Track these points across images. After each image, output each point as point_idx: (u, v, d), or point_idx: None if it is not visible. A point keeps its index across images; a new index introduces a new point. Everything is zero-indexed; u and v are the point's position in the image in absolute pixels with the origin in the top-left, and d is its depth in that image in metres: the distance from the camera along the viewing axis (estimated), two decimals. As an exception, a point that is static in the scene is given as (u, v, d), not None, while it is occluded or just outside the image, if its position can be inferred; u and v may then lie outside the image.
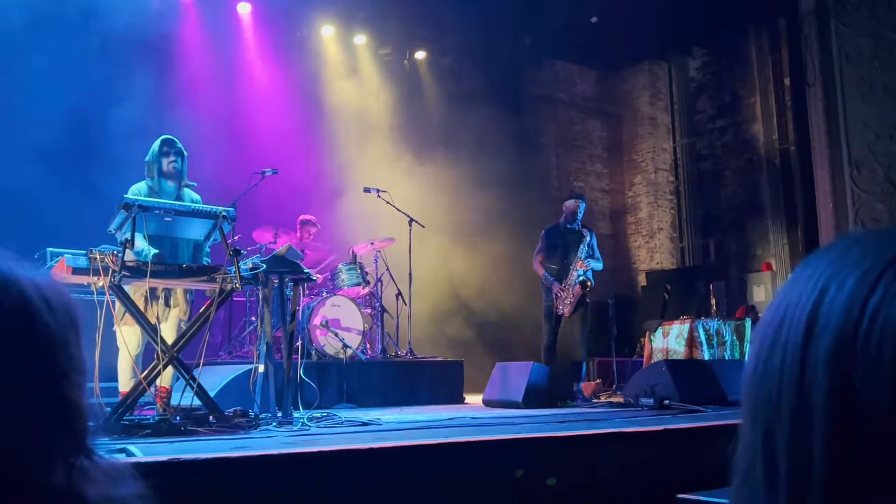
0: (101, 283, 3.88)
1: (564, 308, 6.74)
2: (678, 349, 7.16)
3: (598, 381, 7.29)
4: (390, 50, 10.12)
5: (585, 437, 3.41)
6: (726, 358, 6.97)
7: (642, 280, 11.68)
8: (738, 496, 0.57)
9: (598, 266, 6.91)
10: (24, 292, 0.61)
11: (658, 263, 11.83)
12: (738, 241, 11.17)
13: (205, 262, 4.84)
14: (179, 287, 4.55)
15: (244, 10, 8.91)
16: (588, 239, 6.85)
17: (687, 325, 7.20)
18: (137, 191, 4.73)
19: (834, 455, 0.50)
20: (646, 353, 7.66)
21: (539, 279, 7.04)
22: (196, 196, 4.95)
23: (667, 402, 5.14)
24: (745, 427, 0.57)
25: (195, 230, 4.50)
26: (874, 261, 0.52)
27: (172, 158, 4.84)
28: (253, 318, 6.83)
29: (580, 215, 6.95)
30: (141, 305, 4.31)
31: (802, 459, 0.51)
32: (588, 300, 6.82)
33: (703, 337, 7.08)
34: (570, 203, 7.00)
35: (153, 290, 4.51)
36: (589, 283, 6.72)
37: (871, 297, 0.51)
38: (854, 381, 0.50)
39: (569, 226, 6.94)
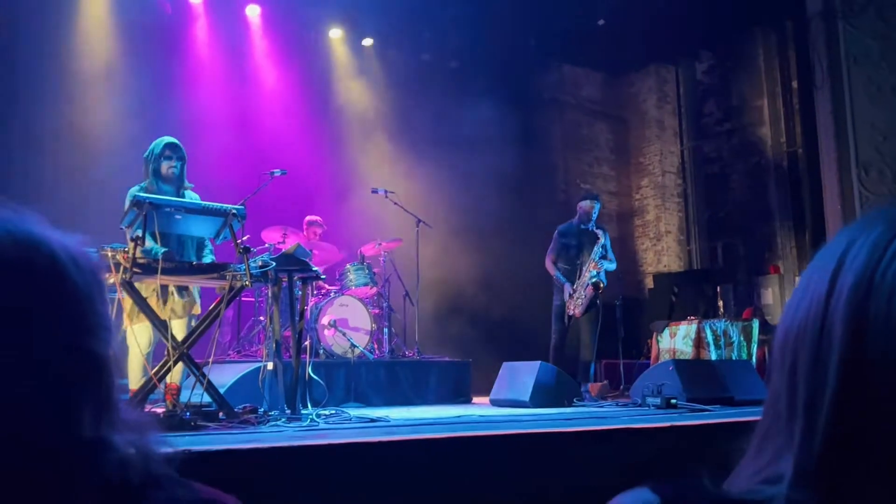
0: (112, 280, 3.92)
1: (576, 309, 6.74)
2: (685, 350, 7.16)
3: (604, 381, 7.29)
4: (398, 52, 10.16)
5: (593, 433, 3.42)
6: (734, 359, 6.97)
7: (649, 283, 11.67)
8: (762, 425, 0.61)
9: (612, 267, 6.90)
10: (53, 252, 0.65)
11: (665, 266, 11.82)
12: (745, 244, 11.15)
13: (208, 259, 4.87)
14: (190, 284, 4.59)
15: (253, 12, 8.97)
16: (602, 240, 6.83)
17: (694, 326, 7.20)
18: (135, 192, 4.72)
19: (845, 376, 0.55)
20: (653, 354, 7.66)
21: (550, 279, 7.04)
22: (195, 195, 4.97)
23: (674, 401, 5.14)
24: (774, 369, 0.62)
25: (203, 228, 4.53)
26: None
27: (173, 163, 4.80)
28: (261, 317, 6.87)
29: (595, 216, 6.93)
30: (152, 303, 4.35)
31: (819, 382, 0.56)
32: (599, 302, 6.83)
33: (710, 338, 7.08)
34: (584, 203, 6.97)
35: (163, 287, 4.54)
36: (602, 285, 6.72)
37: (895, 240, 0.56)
38: (869, 311, 0.54)
39: (583, 226, 6.93)
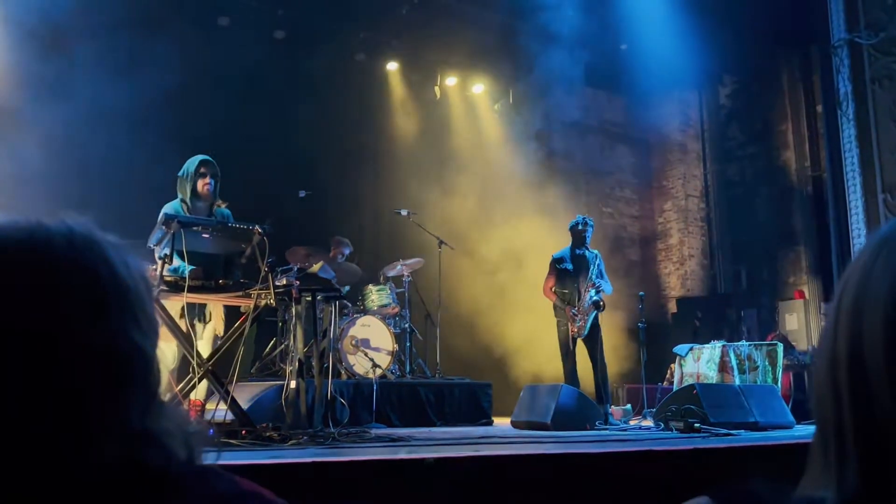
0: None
1: (580, 331, 6.78)
2: (710, 374, 7.09)
3: (627, 405, 7.24)
4: (422, 76, 10.27)
5: (614, 455, 3.40)
6: (758, 383, 6.89)
7: (673, 307, 11.59)
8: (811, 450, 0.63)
9: (608, 288, 6.97)
10: (108, 255, 0.70)
11: (689, 290, 11.74)
12: (769, 269, 11.05)
13: (236, 278, 4.92)
14: (215, 302, 4.65)
15: (279, 35, 9.11)
16: (596, 262, 6.93)
17: (718, 350, 7.14)
18: (170, 209, 4.82)
19: (856, 406, 0.56)
20: (676, 378, 7.60)
21: (550, 305, 7.12)
22: (226, 211, 5.05)
23: (697, 425, 5.10)
24: (817, 386, 0.64)
25: (230, 246, 4.59)
26: None
27: (208, 180, 4.91)
28: (284, 337, 6.91)
29: (588, 239, 7.03)
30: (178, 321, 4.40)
31: (839, 411, 0.60)
32: (599, 321, 6.88)
33: (734, 362, 7.01)
34: (577, 227, 7.10)
35: (189, 306, 4.59)
36: (602, 304, 6.78)
37: None
38: (863, 332, 0.59)
39: (578, 251, 7.03)
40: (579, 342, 6.87)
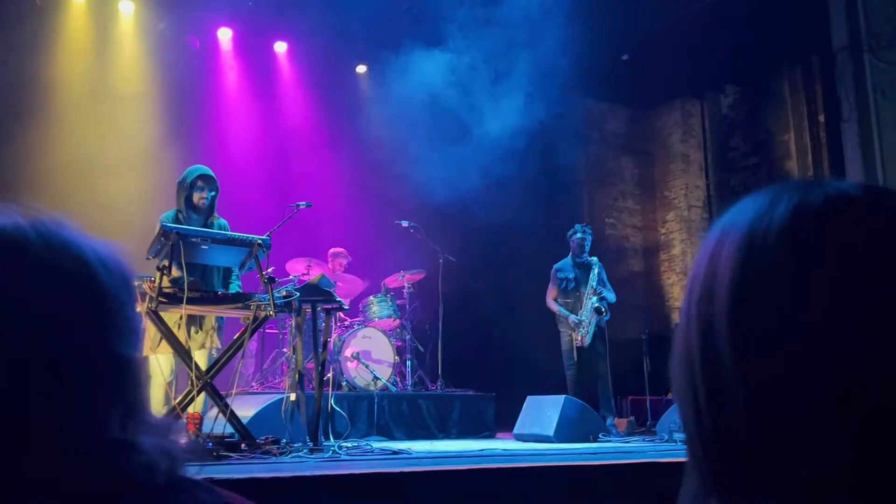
0: (138, 309, 3.95)
1: (583, 339, 6.74)
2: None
3: (631, 417, 7.18)
4: (422, 88, 10.25)
5: (618, 467, 3.35)
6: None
7: (676, 318, 11.53)
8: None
9: (612, 297, 6.95)
10: (83, 253, 0.66)
11: (692, 301, 11.68)
12: (773, 279, 10.99)
13: (235, 289, 4.91)
14: (214, 314, 4.61)
15: (281, 48, 9.13)
16: (596, 269, 6.92)
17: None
18: (166, 219, 4.80)
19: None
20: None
21: (553, 316, 7.09)
22: (224, 222, 5.03)
23: (702, 437, 5.03)
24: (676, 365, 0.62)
25: (229, 258, 4.56)
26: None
27: (204, 194, 4.90)
28: (284, 349, 6.88)
29: (587, 247, 7.04)
30: (176, 333, 4.37)
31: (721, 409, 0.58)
32: (605, 331, 6.83)
33: (737, 373, 6.95)
34: (576, 236, 7.11)
35: (187, 318, 4.57)
36: (603, 310, 6.76)
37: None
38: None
39: (577, 259, 7.03)
40: (586, 351, 6.83)
